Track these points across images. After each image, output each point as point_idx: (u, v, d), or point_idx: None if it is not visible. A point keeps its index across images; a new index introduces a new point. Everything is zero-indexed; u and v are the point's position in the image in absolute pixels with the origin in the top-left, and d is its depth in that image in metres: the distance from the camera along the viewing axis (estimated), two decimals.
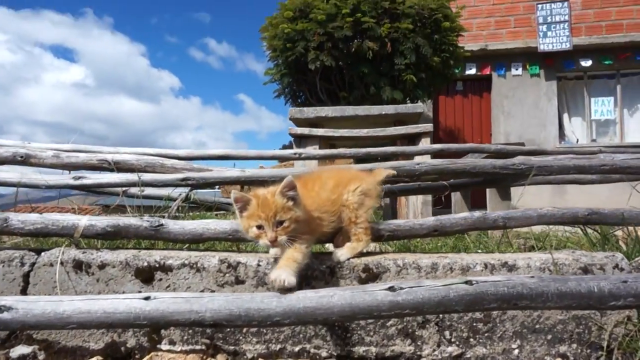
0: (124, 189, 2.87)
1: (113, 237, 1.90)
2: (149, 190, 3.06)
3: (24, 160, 2.92)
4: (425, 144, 4.19)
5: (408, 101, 8.66)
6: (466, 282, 1.36)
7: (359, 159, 3.15)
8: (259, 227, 1.52)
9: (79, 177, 2.50)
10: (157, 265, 1.77)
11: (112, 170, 2.89)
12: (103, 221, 1.88)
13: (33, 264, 1.81)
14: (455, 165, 2.44)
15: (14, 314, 1.32)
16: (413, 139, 4.76)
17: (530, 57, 11.94)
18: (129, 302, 1.34)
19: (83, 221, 1.86)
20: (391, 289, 1.35)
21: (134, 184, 2.50)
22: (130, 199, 2.93)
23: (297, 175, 1.79)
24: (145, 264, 1.77)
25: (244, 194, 1.55)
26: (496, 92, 12.42)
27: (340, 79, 8.99)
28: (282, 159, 3.14)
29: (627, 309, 1.61)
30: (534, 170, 2.32)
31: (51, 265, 1.79)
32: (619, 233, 2.18)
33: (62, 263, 1.77)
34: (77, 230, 1.86)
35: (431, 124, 4.50)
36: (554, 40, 11.61)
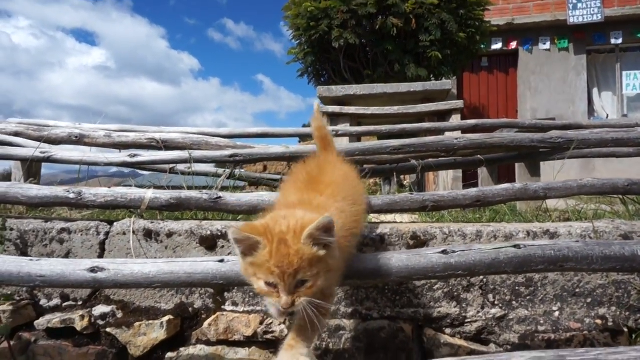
0: (170, 166, 3.02)
1: (176, 209, 2.06)
2: (194, 168, 3.22)
3: (79, 140, 3.12)
4: (455, 120, 4.23)
5: (432, 78, 8.59)
6: (514, 246, 1.46)
7: (394, 136, 3.22)
8: (270, 283, 1.05)
9: (134, 155, 2.66)
10: (219, 234, 1.92)
11: (159, 149, 3.05)
12: (167, 194, 2.03)
13: (107, 233, 1.98)
14: (493, 140, 2.50)
15: (107, 274, 1.48)
16: (442, 116, 4.80)
17: (558, 30, 11.60)
18: (206, 264, 1.49)
19: (149, 194, 2.02)
20: (444, 252, 1.46)
21: (185, 161, 2.65)
22: (170, 178, 3.10)
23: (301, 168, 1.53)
24: (209, 232, 1.92)
25: (248, 234, 1.05)
26: (523, 68, 12.15)
27: (364, 57, 8.97)
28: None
29: None
30: (574, 144, 2.37)
31: (124, 234, 1.96)
32: None
33: (133, 232, 1.94)
34: (144, 203, 2.02)
35: (462, 101, 4.52)
36: (585, 12, 11.24)
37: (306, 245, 1.03)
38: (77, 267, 1.49)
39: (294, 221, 1.06)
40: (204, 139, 2.98)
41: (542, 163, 3.69)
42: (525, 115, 11.78)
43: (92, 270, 1.48)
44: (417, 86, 5.45)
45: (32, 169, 3.08)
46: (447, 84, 5.38)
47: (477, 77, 12.54)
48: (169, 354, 1.88)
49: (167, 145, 3.01)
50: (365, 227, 1.56)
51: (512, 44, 11.91)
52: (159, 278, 1.47)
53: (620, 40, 11.29)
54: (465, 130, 3.23)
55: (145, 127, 3.37)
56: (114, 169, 3.29)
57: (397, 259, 1.46)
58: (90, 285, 1.51)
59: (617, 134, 2.46)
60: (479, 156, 2.87)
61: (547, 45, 11.76)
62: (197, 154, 2.67)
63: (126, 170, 3.06)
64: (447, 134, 3.39)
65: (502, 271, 1.45)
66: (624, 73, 11.87)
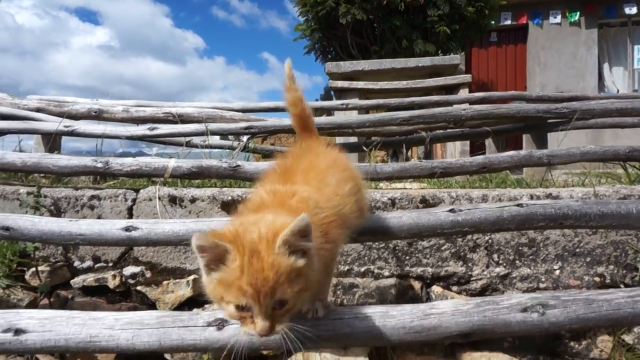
0: (187, 139, 3.14)
1: (197, 177, 2.19)
2: (209, 141, 3.33)
3: (98, 115, 3.24)
4: (464, 94, 4.29)
5: (440, 54, 8.56)
6: (518, 205, 1.56)
7: (402, 109, 3.30)
8: (242, 307, 0.88)
9: (153, 128, 2.78)
10: (240, 199, 2.04)
11: (175, 123, 3.16)
12: (188, 162, 2.15)
13: (134, 200, 2.12)
14: (500, 110, 2.58)
15: (140, 233, 1.61)
16: (450, 90, 4.84)
17: (569, 3, 11.40)
18: None
19: (172, 163, 2.15)
20: (452, 210, 1.57)
21: (201, 133, 2.76)
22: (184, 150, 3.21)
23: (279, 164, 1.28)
24: (229, 197, 2.05)
25: (215, 240, 0.87)
26: (532, 43, 11.99)
27: (371, 33, 8.94)
28: (329, 110, 3.32)
29: None
30: (577, 114, 2.45)
31: (150, 200, 2.09)
32: None
33: (159, 198, 2.07)
34: (167, 171, 2.14)
35: (470, 75, 4.56)
36: None
37: (282, 256, 0.86)
38: (112, 227, 1.62)
39: (265, 227, 0.89)
40: (218, 112, 3.08)
41: (549, 137, 3.77)
42: (533, 91, 11.70)
43: (127, 229, 1.61)
44: (425, 61, 5.47)
45: (55, 143, 3.21)
46: (456, 58, 5.40)
47: (486, 52, 12.41)
48: (195, 310, 2.03)
49: (182, 119, 3.12)
50: (366, 217, 1.40)
51: (521, 18, 11.74)
52: (187, 235, 1.60)
53: (634, 10, 11.04)
54: (473, 102, 3.30)
55: (161, 103, 3.47)
56: (121, 151, 3.40)
57: (407, 217, 1.57)
58: (125, 242, 1.64)
59: (621, 104, 2.52)
60: (485, 128, 2.96)
61: (558, 19, 11.57)
62: (213, 126, 2.78)
63: (134, 151, 3.17)
64: (455, 106, 3.46)
65: (506, 228, 1.56)
66: (636, 47, 11.68)
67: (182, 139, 3.12)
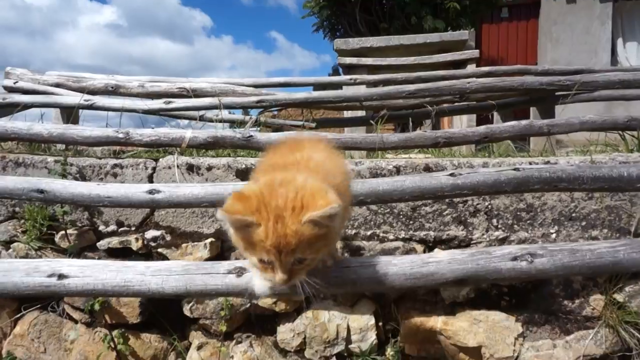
0: (200, 113, 3.25)
1: (212, 147, 2.31)
2: (222, 116, 3.44)
3: (114, 91, 3.36)
4: (470, 69, 4.32)
5: (450, 30, 8.49)
6: (514, 169, 1.66)
7: (409, 83, 3.36)
8: (264, 261, 0.99)
9: (169, 102, 2.89)
10: (253, 167, 2.16)
11: (189, 97, 3.27)
12: (204, 133, 2.27)
13: (154, 168, 2.25)
14: (503, 83, 2.65)
15: (163, 195, 1.75)
16: (458, 66, 4.87)
17: None
18: None
19: (188, 133, 2.27)
20: (452, 174, 1.68)
21: (215, 107, 2.87)
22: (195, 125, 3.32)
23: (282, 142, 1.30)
24: (243, 166, 2.17)
25: (240, 216, 0.95)
26: (544, 18, 11.78)
27: (380, 10, 8.88)
28: (337, 85, 3.40)
29: None
30: (578, 85, 2.51)
31: (169, 168, 2.22)
32: None
33: (177, 166, 2.20)
34: (184, 141, 2.27)
35: (477, 50, 4.58)
36: None
37: (306, 227, 0.93)
38: (137, 190, 1.76)
39: (293, 193, 0.94)
40: (231, 87, 3.18)
41: (557, 112, 3.81)
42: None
43: (150, 192, 1.75)
44: (433, 37, 5.48)
45: (76, 117, 3.34)
46: (464, 34, 5.39)
47: (497, 28, 12.23)
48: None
49: (196, 94, 3.22)
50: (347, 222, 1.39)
51: None
52: (206, 198, 1.73)
53: None
54: (479, 77, 3.34)
55: (175, 78, 3.58)
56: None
57: (410, 180, 1.69)
58: (149, 204, 1.78)
59: (623, 76, 2.58)
60: (490, 101, 3.02)
61: None
62: (225, 100, 2.88)
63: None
64: (460, 79, 3.51)
65: (503, 191, 1.66)
66: None
67: (196, 114, 3.24)
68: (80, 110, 3.29)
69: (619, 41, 11.99)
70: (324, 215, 0.92)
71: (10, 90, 3.38)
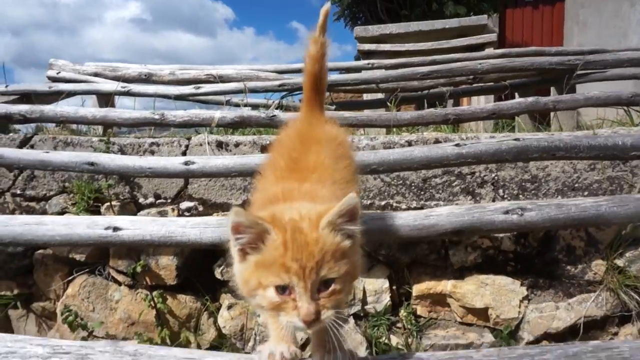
0: (226, 98, 3.47)
1: (239, 126, 2.52)
2: (247, 100, 3.66)
3: (147, 79, 3.61)
4: (485, 52, 4.40)
5: (472, 15, 8.46)
6: (515, 139, 1.81)
7: (425, 64, 3.47)
8: (283, 289, 0.81)
9: (199, 87, 3.12)
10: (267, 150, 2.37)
11: (216, 83, 3.49)
12: (232, 113, 2.49)
13: (187, 145, 2.48)
14: (514, 64, 2.76)
15: (197, 166, 1.97)
16: (476, 50, 4.94)
17: None
18: None
19: (217, 114, 2.49)
20: (457, 145, 1.84)
21: (240, 91, 3.09)
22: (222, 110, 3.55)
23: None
24: (267, 142, 2.37)
25: (255, 218, 0.83)
26: (571, 1, 11.52)
27: None
28: (356, 69, 3.55)
29: None
30: (587, 64, 2.60)
31: (200, 145, 2.45)
32: None
33: (208, 143, 2.42)
34: (214, 121, 2.49)
35: (495, 34, 4.64)
36: None
37: (327, 234, 0.81)
38: (175, 162, 1.99)
39: (306, 210, 0.85)
40: (255, 73, 3.39)
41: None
42: None
43: (186, 163, 1.98)
44: (452, 22, 5.54)
45: (112, 104, 3.62)
46: (483, 18, 5.44)
47: (521, 13, 12.01)
48: None
49: (222, 80, 3.45)
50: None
51: None
52: (235, 168, 1.95)
53: None
54: (493, 58, 3.44)
55: (202, 66, 3.81)
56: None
57: (419, 150, 1.86)
58: (185, 174, 2.01)
59: (633, 54, 2.65)
60: (504, 82, 3.13)
61: None
62: (250, 84, 3.09)
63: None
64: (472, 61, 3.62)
65: (504, 159, 1.82)
66: None
67: (223, 98, 3.46)
68: (116, 97, 3.56)
69: None
70: (341, 212, 0.81)
71: (54, 80, 3.68)
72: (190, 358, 0.92)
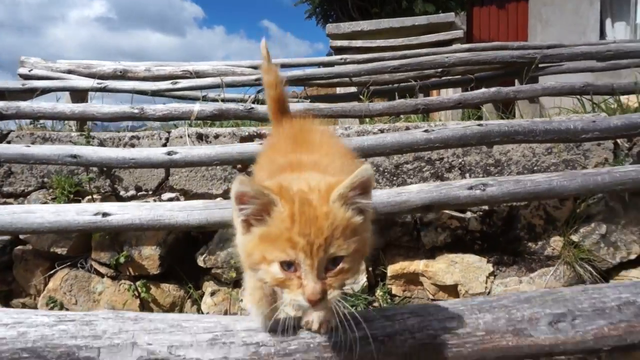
0: (203, 93, 3.52)
1: (218, 118, 2.60)
2: (223, 95, 3.72)
3: (123, 75, 3.63)
4: (453, 47, 4.60)
5: (440, 13, 8.72)
6: (479, 125, 1.97)
7: (396, 58, 3.62)
8: (288, 265, 0.76)
9: (176, 82, 3.17)
10: (255, 134, 2.46)
11: (192, 78, 3.54)
12: (210, 106, 2.57)
13: (167, 138, 2.54)
14: (478, 57, 2.94)
15: (179, 156, 2.04)
16: (444, 46, 5.15)
17: None
18: (253, 145, 2.03)
19: (196, 107, 2.56)
20: (426, 130, 1.98)
21: (217, 86, 3.15)
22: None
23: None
24: (246, 133, 2.46)
25: (260, 187, 0.78)
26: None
27: None
28: (329, 64, 3.67)
29: (593, 140, 2.12)
30: (544, 57, 2.80)
31: (180, 137, 2.51)
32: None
33: (188, 135, 2.49)
34: (193, 114, 2.56)
35: (461, 31, 4.85)
36: None
37: (337, 208, 0.76)
38: (157, 152, 2.05)
39: (315, 181, 0.80)
40: (230, 68, 3.46)
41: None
42: None
43: (169, 153, 2.04)
44: (421, 20, 5.74)
45: (86, 101, 3.62)
46: (450, 16, 5.66)
47: (488, 11, 12.39)
48: None
49: (199, 75, 3.50)
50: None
51: None
52: (217, 157, 2.03)
53: None
54: (460, 53, 3.62)
55: (178, 63, 3.85)
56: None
57: (391, 136, 1.99)
58: (168, 164, 2.08)
59: (586, 48, 2.87)
60: (469, 75, 3.31)
61: None
62: (227, 79, 3.17)
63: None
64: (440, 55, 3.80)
65: (469, 143, 1.97)
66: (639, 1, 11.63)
67: (199, 94, 3.52)
68: (90, 94, 3.57)
69: (608, 21, 12.18)
70: (354, 184, 0.76)
71: (26, 77, 3.65)
72: (187, 320, 1.01)
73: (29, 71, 3.65)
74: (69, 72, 3.68)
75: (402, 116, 2.84)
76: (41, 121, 3.23)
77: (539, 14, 12.08)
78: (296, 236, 0.74)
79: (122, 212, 1.58)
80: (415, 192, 1.53)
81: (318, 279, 0.75)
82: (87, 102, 3.92)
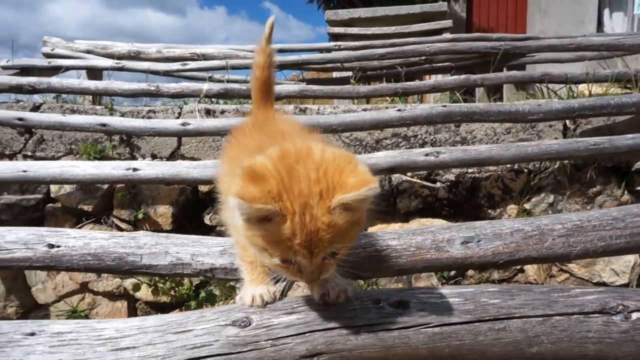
0: (210, 74, 3.88)
1: (224, 97, 2.98)
2: (228, 77, 4.09)
3: (136, 56, 3.99)
4: (437, 37, 4.94)
5: (441, 1, 8.96)
6: (443, 106, 2.35)
7: (385, 47, 3.96)
8: (289, 262, 0.82)
9: (185, 64, 3.54)
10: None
11: (200, 60, 3.90)
12: (218, 85, 2.94)
13: (180, 112, 2.93)
14: (456, 47, 3.29)
15: (192, 127, 2.43)
16: (434, 35, 5.48)
17: None
18: None
19: (205, 86, 2.93)
20: (399, 110, 2.36)
21: (223, 68, 3.52)
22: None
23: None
24: (248, 110, 2.85)
25: (261, 205, 0.75)
26: None
27: None
28: (327, 50, 4.00)
29: (538, 121, 2.48)
30: (515, 48, 3.16)
31: (191, 112, 2.90)
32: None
33: (198, 110, 2.87)
34: (202, 92, 2.94)
35: (450, 21, 5.17)
36: None
37: (338, 214, 0.77)
38: (174, 123, 2.44)
39: (315, 173, 0.78)
40: (234, 52, 3.82)
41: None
42: None
43: (183, 124, 2.43)
44: (415, 8, 6.04)
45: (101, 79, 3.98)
46: (444, 5, 5.96)
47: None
48: None
49: (205, 58, 3.86)
50: None
51: None
52: (225, 128, 2.41)
53: None
54: (440, 43, 3.97)
55: (186, 45, 4.20)
56: None
57: (369, 114, 2.37)
58: (182, 134, 2.47)
59: (552, 42, 3.23)
60: (449, 63, 3.67)
61: None
62: (232, 62, 3.53)
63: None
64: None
65: (434, 121, 2.35)
66: None
67: (206, 75, 3.88)
68: (105, 73, 3.93)
69: (606, 12, 12.37)
70: (358, 198, 0.76)
71: (49, 56, 4.01)
72: (205, 238, 1.41)
73: (52, 50, 4.00)
74: (87, 52, 4.04)
75: (387, 98, 3.22)
76: (62, 96, 3.62)
77: (537, 3, 12.28)
78: (298, 246, 0.77)
79: (149, 168, 1.97)
80: (383, 157, 1.93)
81: (314, 272, 0.82)
82: (101, 80, 4.29)
